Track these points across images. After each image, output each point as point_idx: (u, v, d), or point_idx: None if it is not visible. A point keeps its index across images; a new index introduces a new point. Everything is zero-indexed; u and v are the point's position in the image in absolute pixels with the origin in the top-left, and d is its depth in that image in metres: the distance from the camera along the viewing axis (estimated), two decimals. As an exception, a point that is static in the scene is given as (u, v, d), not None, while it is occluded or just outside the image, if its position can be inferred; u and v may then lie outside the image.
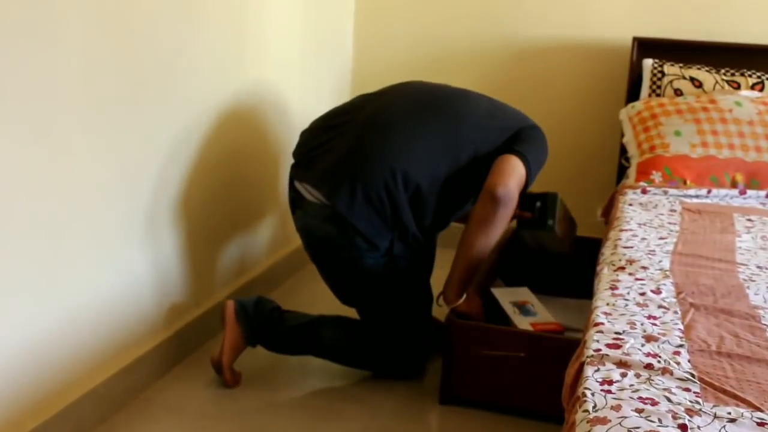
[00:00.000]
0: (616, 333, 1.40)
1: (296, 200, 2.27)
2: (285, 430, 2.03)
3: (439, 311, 2.36)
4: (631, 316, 1.48)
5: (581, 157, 3.34)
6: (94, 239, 1.94)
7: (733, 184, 2.57)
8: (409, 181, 2.12)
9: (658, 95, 2.97)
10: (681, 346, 1.35)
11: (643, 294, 1.60)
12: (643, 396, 1.16)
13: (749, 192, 2.52)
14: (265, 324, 2.23)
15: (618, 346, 1.34)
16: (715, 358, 1.32)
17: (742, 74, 2.93)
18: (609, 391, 1.18)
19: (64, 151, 1.79)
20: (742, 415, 1.12)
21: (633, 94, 3.07)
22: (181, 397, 2.16)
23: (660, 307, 1.53)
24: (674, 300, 1.57)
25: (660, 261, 1.81)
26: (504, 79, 3.35)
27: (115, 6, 1.90)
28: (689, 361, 1.30)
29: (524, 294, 2.44)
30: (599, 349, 1.32)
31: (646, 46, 3.10)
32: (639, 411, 1.11)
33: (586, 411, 1.12)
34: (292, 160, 2.33)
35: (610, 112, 3.21)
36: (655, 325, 1.44)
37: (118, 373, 2.06)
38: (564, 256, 2.66)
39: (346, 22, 3.48)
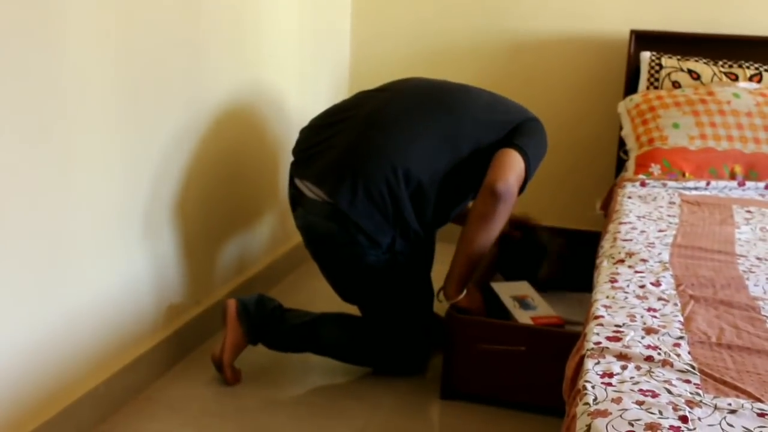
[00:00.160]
0: (616, 326, 1.40)
1: (297, 198, 2.26)
2: (286, 428, 2.03)
3: (440, 307, 2.36)
4: (631, 308, 1.48)
5: (580, 150, 3.34)
6: (94, 238, 1.94)
7: (732, 176, 2.57)
8: (411, 177, 2.12)
9: (656, 88, 2.96)
10: (681, 338, 1.35)
11: (642, 286, 1.60)
12: (644, 388, 1.16)
13: (748, 183, 2.52)
14: (267, 323, 2.23)
15: (618, 339, 1.34)
16: (715, 349, 1.32)
17: (740, 66, 2.92)
18: (609, 384, 1.18)
19: (62, 150, 1.78)
20: (743, 406, 1.12)
21: (631, 87, 3.06)
22: (181, 395, 2.16)
23: (660, 299, 1.53)
24: (674, 292, 1.57)
25: (659, 253, 1.81)
26: (502, 72, 3.35)
27: (114, 6, 1.90)
28: (689, 352, 1.30)
29: (524, 288, 2.44)
30: (599, 342, 1.32)
31: (643, 39, 3.09)
32: (639, 403, 1.11)
33: (587, 404, 1.12)
34: (290, 158, 2.33)
35: (609, 105, 3.21)
36: (655, 317, 1.44)
37: (119, 373, 2.06)
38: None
39: (343, 19, 3.48)
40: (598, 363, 1.25)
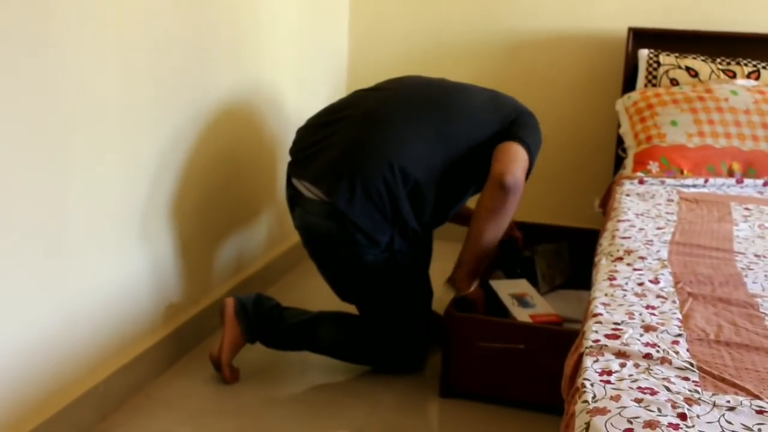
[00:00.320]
0: (615, 323, 1.40)
1: (294, 197, 2.26)
2: (286, 426, 2.03)
3: (439, 305, 2.36)
4: (630, 306, 1.48)
5: (578, 148, 3.34)
6: (92, 238, 1.94)
7: (730, 174, 2.57)
8: (408, 175, 2.12)
9: (654, 85, 2.96)
10: (679, 335, 1.35)
11: (641, 284, 1.60)
12: (643, 386, 1.16)
13: (746, 181, 2.52)
14: (265, 322, 2.23)
15: (617, 337, 1.34)
16: (714, 346, 1.32)
17: (738, 63, 2.93)
18: (608, 382, 1.18)
19: (61, 151, 1.78)
20: (741, 404, 1.12)
21: (629, 85, 3.06)
22: (181, 393, 2.16)
23: (658, 296, 1.53)
24: (672, 290, 1.57)
25: (658, 251, 1.81)
26: (500, 71, 3.35)
27: (113, 6, 1.90)
28: (688, 350, 1.30)
29: (523, 286, 2.44)
30: (598, 340, 1.33)
31: (641, 37, 3.09)
32: (638, 401, 1.11)
33: (586, 402, 1.13)
34: (288, 157, 2.33)
35: (607, 103, 3.21)
36: (653, 314, 1.44)
37: (118, 371, 2.06)
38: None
39: (342, 19, 3.48)
40: (597, 361, 1.26)
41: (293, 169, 2.27)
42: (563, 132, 3.31)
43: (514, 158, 2.13)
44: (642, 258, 1.76)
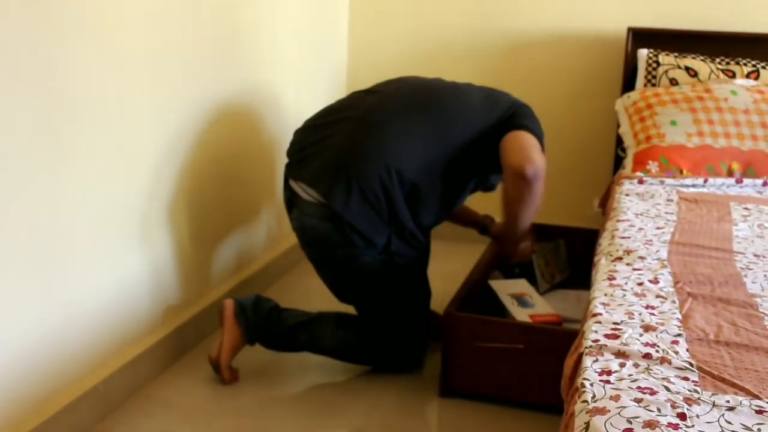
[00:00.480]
0: (615, 323, 1.40)
1: (292, 199, 2.26)
2: (285, 426, 2.03)
3: (438, 304, 2.36)
4: (629, 306, 1.48)
5: (577, 148, 3.34)
6: (92, 238, 1.94)
7: (730, 173, 2.57)
8: (404, 177, 2.12)
9: (653, 85, 2.96)
10: (679, 335, 1.35)
11: (640, 284, 1.60)
12: (642, 386, 1.16)
13: (746, 181, 2.52)
14: (264, 323, 2.23)
15: (616, 337, 1.34)
16: (713, 346, 1.32)
17: (737, 63, 2.93)
18: (608, 382, 1.18)
19: (59, 151, 1.78)
20: (741, 403, 1.12)
21: (628, 85, 3.06)
22: (180, 393, 2.16)
23: (658, 296, 1.53)
24: (672, 289, 1.57)
25: (657, 251, 1.81)
26: (500, 71, 3.34)
27: (112, 6, 1.90)
28: (687, 350, 1.30)
29: (522, 286, 2.44)
30: (598, 340, 1.33)
31: (640, 37, 3.09)
32: (638, 401, 1.11)
33: (585, 401, 1.13)
34: (286, 159, 2.33)
35: (606, 103, 3.21)
36: (653, 314, 1.44)
37: (118, 371, 2.06)
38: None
39: (341, 19, 3.47)
40: (597, 360, 1.25)
41: (290, 171, 2.27)
42: (563, 132, 3.31)
43: (527, 145, 2.13)
44: (641, 258, 1.75)
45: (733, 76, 2.88)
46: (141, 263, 2.16)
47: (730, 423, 1.07)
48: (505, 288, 2.41)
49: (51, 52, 1.72)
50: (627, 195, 2.34)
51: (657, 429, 1.03)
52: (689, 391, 1.16)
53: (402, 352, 2.30)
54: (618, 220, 2.07)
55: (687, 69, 2.93)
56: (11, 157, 1.65)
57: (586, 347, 1.31)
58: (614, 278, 1.64)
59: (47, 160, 1.75)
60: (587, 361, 1.26)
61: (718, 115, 2.67)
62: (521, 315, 2.24)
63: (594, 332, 1.36)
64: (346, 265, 2.18)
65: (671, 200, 2.29)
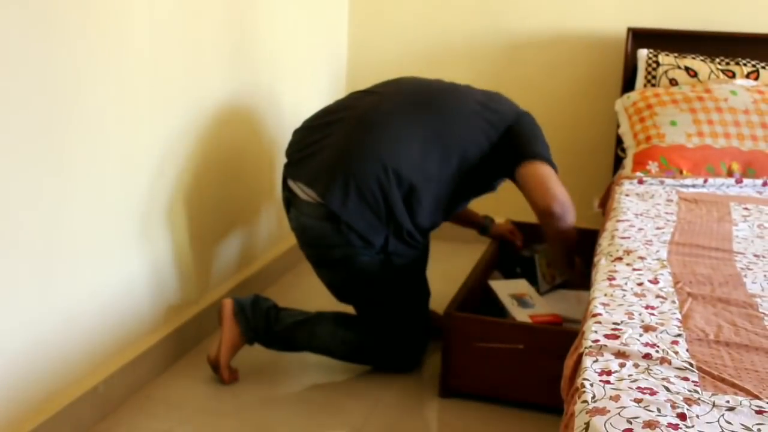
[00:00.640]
0: (614, 323, 1.40)
1: (290, 199, 2.26)
2: (285, 425, 2.03)
3: (438, 304, 2.36)
4: (629, 306, 1.48)
5: (577, 148, 3.34)
6: (92, 238, 1.94)
7: (730, 174, 2.57)
8: (402, 178, 2.12)
9: (653, 85, 2.96)
10: (679, 335, 1.35)
11: (640, 284, 1.60)
12: (642, 386, 1.16)
13: (745, 181, 2.52)
14: (263, 323, 2.23)
15: (616, 337, 1.34)
16: (713, 346, 1.33)
17: (737, 63, 2.93)
18: (608, 382, 1.18)
19: (60, 151, 1.78)
20: (741, 404, 1.12)
21: (628, 85, 3.06)
22: (180, 393, 2.16)
23: (658, 296, 1.53)
24: (672, 290, 1.57)
25: (657, 251, 1.81)
26: (499, 71, 3.35)
27: (112, 6, 1.90)
28: (687, 350, 1.30)
29: (522, 286, 2.44)
30: (597, 340, 1.33)
31: (640, 37, 3.09)
32: (638, 401, 1.11)
33: (585, 402, 1.13)
34: (285, 159, 2.33)
35: (606, 104, 3.21)
36: (653, 315, 1.44)
37: (118, 371, 2.06)
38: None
39: (341, 19, 3.47)
40: (597, 361, 1.26)
41: (289, 171, 2.27)
42: (562, 132, 3.30)
43: (546, 179, 2.19)
44: (641, 258, 1.76)
45: (733, 76, 2.88)
46: (141, 263, 2.16)
47: (730, 423, 1.07)
48: (505, 288, 2.41)
49: (52, 53, 1.73)
50: (627, 195, 2.34)
51: (657, 429, 1.03)
52: (689, 391, 1.16)
53: (401, 351, 2.30)
54: (618, 221, 2.07)
55: (687, 69, 2.93)
56: (11, 157, 1.65)
57: (586, 347, 1.31)
58: (614, 278, 1.64)
59: (47, 161, 1.75)
60: (587, 361, 1.26)
61: (717, 116, 2.67)
62: (521, 315, 2.24)
63: (594, 332, 1.36)
64: (344, 265, 2.18)
65: (671, 200, 2.30)
